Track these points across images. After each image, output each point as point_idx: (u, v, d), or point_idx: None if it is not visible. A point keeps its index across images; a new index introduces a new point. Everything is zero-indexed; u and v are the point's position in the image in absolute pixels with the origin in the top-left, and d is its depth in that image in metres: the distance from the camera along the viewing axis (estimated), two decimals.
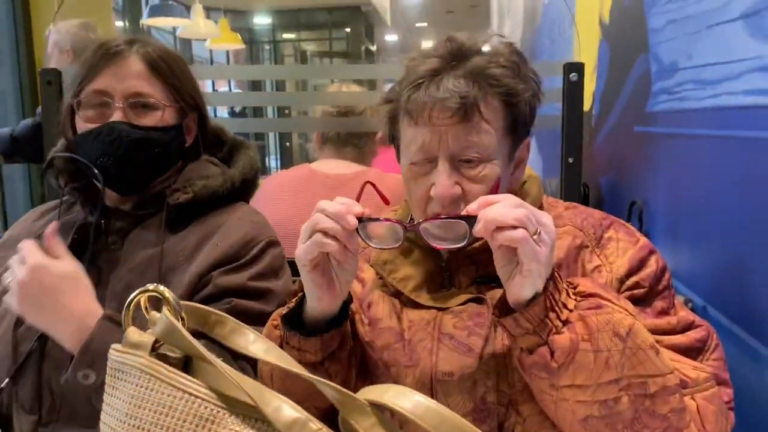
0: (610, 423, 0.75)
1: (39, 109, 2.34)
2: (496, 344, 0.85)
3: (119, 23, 6.40)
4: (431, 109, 0.84)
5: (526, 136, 0.92)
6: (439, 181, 0.85)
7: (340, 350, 0.86)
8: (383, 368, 0.89)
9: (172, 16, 4.90)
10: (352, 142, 1.89)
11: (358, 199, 0.81)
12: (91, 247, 1.03)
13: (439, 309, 0.89)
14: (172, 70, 1.08)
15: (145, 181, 1.08)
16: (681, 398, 0.76)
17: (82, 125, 1.05)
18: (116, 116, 1.02)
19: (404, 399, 0.56)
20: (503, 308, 0.79)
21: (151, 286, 0.60)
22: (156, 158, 1.06)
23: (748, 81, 1.06)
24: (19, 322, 0.98)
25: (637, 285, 0.86)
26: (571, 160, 1.52)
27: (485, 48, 0.88)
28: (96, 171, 1.01)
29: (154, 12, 4.83)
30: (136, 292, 0.60)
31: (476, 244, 0.87)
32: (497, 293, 0.88)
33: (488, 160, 0.85)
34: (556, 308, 0.75)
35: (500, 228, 0.71)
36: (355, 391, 0.58)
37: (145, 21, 4.97)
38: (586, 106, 1.77)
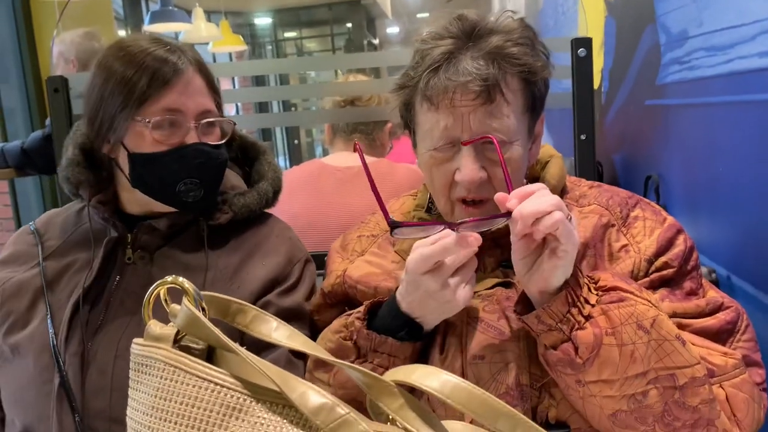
0: (639, 417, 0.74)
1: (48, 121, 2.35)
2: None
3: (121, 31, 6.42)
4: (453, 92, 0.82)
5: (542, 110, 0.91)
6: (464, 165, 0.83)
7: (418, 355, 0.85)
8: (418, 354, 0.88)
9: (174, 21, 4.89)
10: (360, 128, 1.89)
11: (376, 193, 0.78)
12: (118, 262, 1.02)
13: None
14: (215, 80, 1.06)
15: (217, 199, 1.07)
16: (710, 389, 0.75)
17: (151, 145, 0.98)
18: (192, 137, 0.99)
19: (432, 378, 0.56)
20: (523, 306, 0.78)
21: (169, 278, 0.59)
22: (224, 175, 1.07)
23: (762, 43, 1.04)
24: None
25: (666, 265, 0.85)
26: (583, 137, 1.50)
27: (497, 25, 0.86)
28: (178, 192, 0.99)
29: (156, 18, 4.83)
30: (155, 284, 0.60)
31: (500, 227, 0.86)
32: None
33: (511, 142, 0.84)
34: (578, 303, 0.74)
35: (539, 219, 0.71)
36: None
37: (147, 27, 4.97)
38: (595, 84, 1.75)
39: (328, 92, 2.01)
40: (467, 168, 0.83)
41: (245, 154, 1.19)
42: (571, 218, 0.73)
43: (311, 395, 0.53)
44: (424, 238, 0.77)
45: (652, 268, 0.85)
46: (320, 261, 1.16)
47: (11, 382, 0.99)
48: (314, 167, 1.88)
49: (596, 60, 1.79)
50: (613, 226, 0.88)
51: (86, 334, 0.97)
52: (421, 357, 0.87)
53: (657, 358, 0.73)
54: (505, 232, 0.86)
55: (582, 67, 1.49)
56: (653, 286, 0.84)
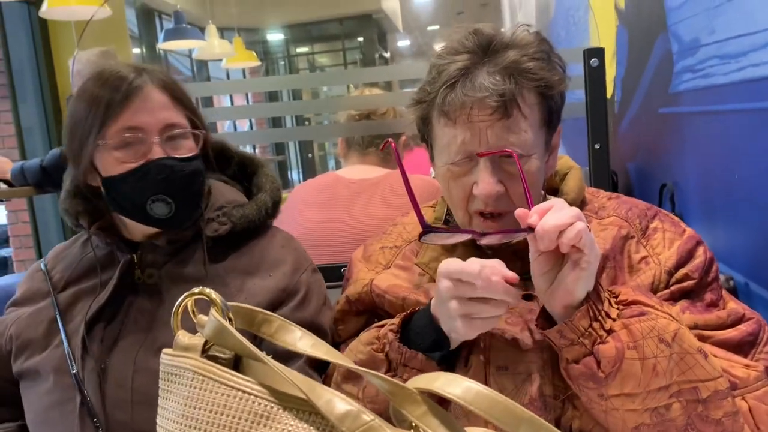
0: (662, 430, 0.74)
1: None
2: None
3: (136, 49, 6.52)
4: (470, 108, 0.83)
5: (559, 123, 0.92)
6: (482, 179, 0.84)
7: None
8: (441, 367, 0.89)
9: (187, 38, 4.96)
10: (375, 142, 1.90)
11: (412, 196, 0.80)
12: (128, 283, 1.03)
13: None
14: (185, 94, 1.05)
15: (194, 214, 1.05)
16: (734, 401, 0.75)
17: (116, 167, 0.98)
18: (156, 152, 0.98)
19: (454, 385, 0.56)
20: (544, 321, 0.78)
21: (197, 290, 0.61)
22: (200, 188, 1.05)
23: None
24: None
25: (686, 277, 0.85)
26: (597, 147, 1.51)
27: (513, 39, 0.87)
28: (149, 211, 0.99)
29: (170, 36, 4.90)
30: (183, 296, 0.61)
31: (521, 239, 0.87)
32: None
33: (528, 155, 0.85)
34: (600, 317, 0.74)
35: (562, 232, 0.71)
36: None
37: (161, 45, 5.05)
38: (608, 93, 1.75)
39: (341, 106, 2.03)
40: (484, 182, 0.84)
41: (244, 170, 1.19)
42: (589, 228, 0.73)
43: (337, 402, 0.54)
44: (450, 243, 0.78)
45: (673, 279, 0.85)
46: (335, 273, 1.17)
47: (35, 404, 1.02)
48: (328, 180, 1.89)
49: (608, 69, 1.80)
50: (632, 237, 0.88)
51: (103, 351, 0.99)
52: (446, 369, 0.87)
53: (679, 372, 0.72)
54: (526, 244, 0.87)
55: (595, 77, 1.50)
56: (673, 298, 0.84)
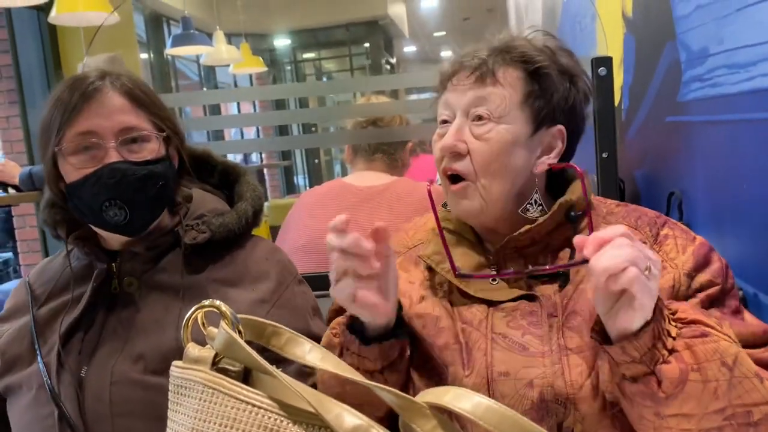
0: None
1: None
2: (552, 343, 0.84)
3: (144, 55, 6.55)
4: (456, 74, 0.91)
5: (553, 122, 0.91)
6: (447, 133, 0.89)
7: (399, 360, 0.85)
8: (442, 367, 0.89)
9: (195, 44, 4.99)
10: (382, 148, 1.90)
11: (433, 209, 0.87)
12: (105, 293, 1.02)
13: (489, 304, 0.88)
14: (150, 98, 1.03)
15: (153, 219, 1.03)
16: None
17: (73, 173, 0.97)
18: (111, 156, 0.96)
19: (464, 400, 0.56)
20: (600, 332, 0.76)
21: (207, 302, 0.61)
22: (160, 192, 1.01)
23: None
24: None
25: (710, 283, 0.84)
26: (605, 155, 1.51)
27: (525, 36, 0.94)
28: (105, 217, 0.97)
29: (177, 42, 4.93)
30: (194, 308, 0.61)
31: (520, 233, 0.87)
32: (548, 290, 0.87)
33: (498, 122, 0.88)
34: (663, 336, 0.73)
35: (613, 275, 0.68)
36: (415, 393, 0.58)
37: (169, 51, 5.09)
38: (615, 101, 1.75)
39: (347, 114, 2.03)
40: (448, 135, 0.89)
41: (227, 178, 1.17)
42: (650, 267, 0.70)
43: (346, 417, 0.54)
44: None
45: (696, 285, 0.84)
46: None
47: (18, 418, 1.02)
48: (335, 186, 1.89)
49: (616, 77, 1.80)
50: (644, 244, 0.88)
51: (80, 363, 0.98)
52: (445, 374, 0.87)
53: (736, 395, 0.72)
54: (528, 243, 0.88)
55: (603, 85, 1.50)
56: (704, 307, 0.83)
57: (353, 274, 0.75)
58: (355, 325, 0.85)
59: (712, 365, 0.72)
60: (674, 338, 0.73)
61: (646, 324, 0.71)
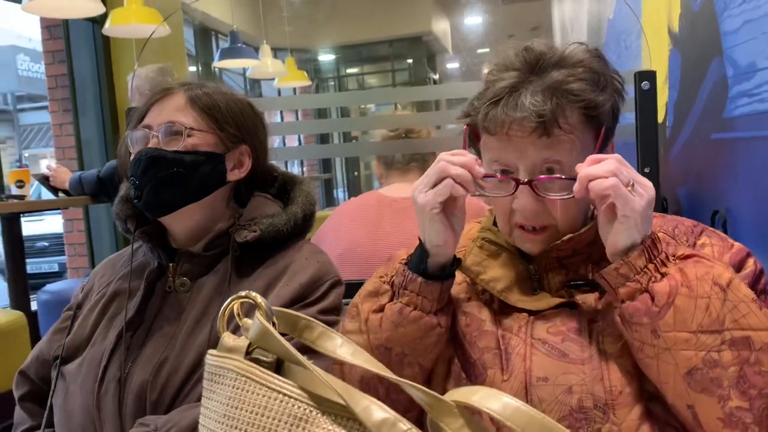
0: (715, 378, 0.74)
1: None
2: (592, 349, 0.84)
3: (192, 67, 6.72)
4: (509, 127, 0.84)
5: (611, 137, 0.91)
6: (520, 195, 0.85)
7: (448, 306, 0.89)
8: (481, 368, 0.88)
9: (242, 57, 5.09)
10: (416, 159, 1.92)
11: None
12: (160, 290, 1.06)
13: (530, 313, 0.88)
14: (214, 101, 1.08)
15: (163, 201, 1.06)
16: None
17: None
18: (151, 144, 1.05)
19: (493, 400, 0.56)
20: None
21: (243, 293, 0.63)
22: (172, 177, 1.04)
23: None
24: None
25: None
26: (647, 170, 1.49)
27: (564, 57, 0.87)
28: (131, 193, 1.06)
29: (225, 55, 5.04)
30: (230, 299, 0.63)
31: (563, 242, 0.87)
32: (589, 298, 0.87)
33: (571, 174, 0.83)
34: (655, 261, 0.77)
35: (592, 180, 0.76)
36: (444, 393, 0.59)
37: (217, 64, 5.20)
38: (660, 117, 1.73)
39: (384, 124, 2.05)
40: (523, 196, 0.85)
41: (285, 187, 1.21)
42: (634, 185, 0.76)
43: (374, 410, 0.54)
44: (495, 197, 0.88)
45: None
46: None
47: (63, 406, 1.05)
48: (372, 198, 1.91)
49: (661, 93, 1.77)
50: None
51: (127, 360, 1.02)
52: (483, 376, 0.87)
53: (732, 318, 0.74)
54: (570, 253, 0.87)
55: (645, 100, 1.48)
56: None
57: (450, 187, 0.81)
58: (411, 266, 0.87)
59: (703, 283, 0.75)
60: (667, 266, 0.77)
61: (638, 247, 0.77)
